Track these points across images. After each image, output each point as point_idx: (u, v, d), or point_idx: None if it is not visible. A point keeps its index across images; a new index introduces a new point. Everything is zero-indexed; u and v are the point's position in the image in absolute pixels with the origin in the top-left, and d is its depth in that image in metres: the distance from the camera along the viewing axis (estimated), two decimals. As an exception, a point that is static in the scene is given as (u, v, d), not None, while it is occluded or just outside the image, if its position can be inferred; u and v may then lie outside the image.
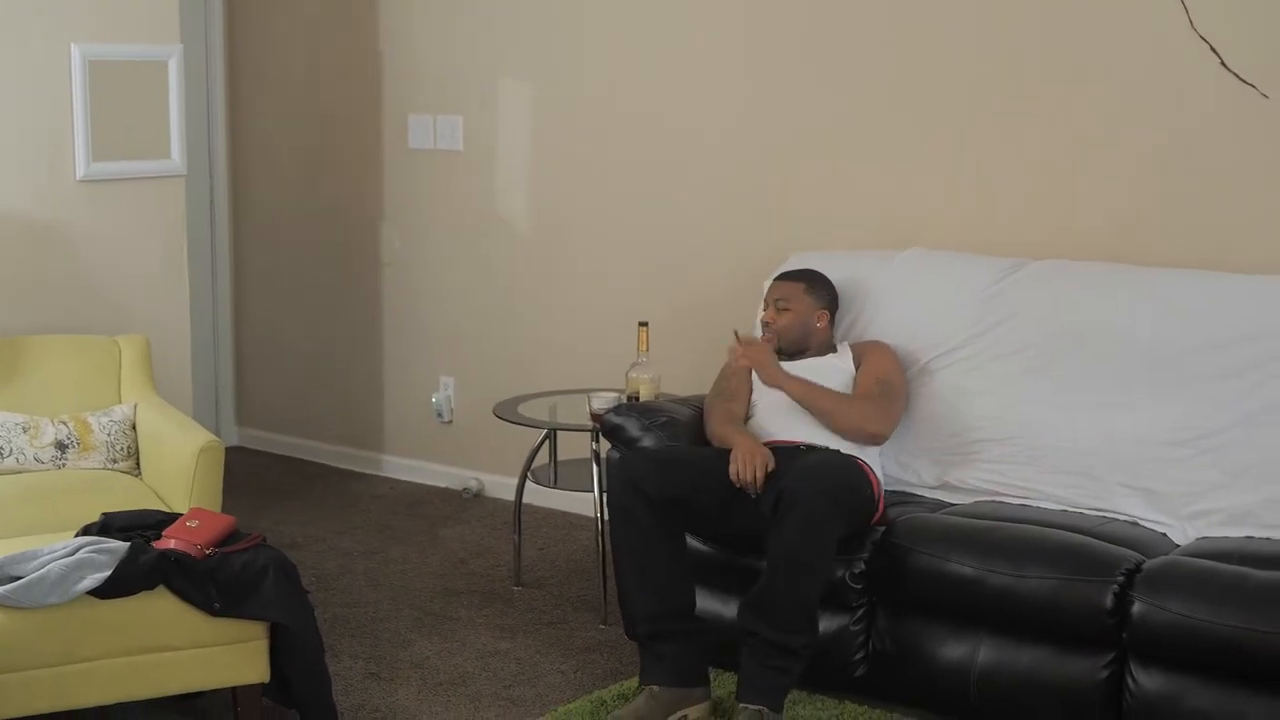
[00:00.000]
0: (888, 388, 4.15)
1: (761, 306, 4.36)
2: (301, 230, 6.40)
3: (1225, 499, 3.86)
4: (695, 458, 3.99)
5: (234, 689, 3.60)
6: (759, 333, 4.36)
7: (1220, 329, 3.99)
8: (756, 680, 3.63)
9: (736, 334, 4.19)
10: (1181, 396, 3.99)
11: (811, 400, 4.05)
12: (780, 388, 4.08)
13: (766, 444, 3.95)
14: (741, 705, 3.62)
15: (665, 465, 3.89)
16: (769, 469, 3.81)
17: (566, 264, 5.63)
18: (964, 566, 3.67)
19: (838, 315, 4.41)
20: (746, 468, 3.81)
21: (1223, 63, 4.16)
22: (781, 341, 4.25)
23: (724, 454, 3.90)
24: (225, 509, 3.82)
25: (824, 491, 3.65)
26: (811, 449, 3.98)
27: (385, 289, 6.16)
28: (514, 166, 5.77)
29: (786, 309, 4.29)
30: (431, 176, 5.95)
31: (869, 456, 4.06)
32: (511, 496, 4.94)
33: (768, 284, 4.56)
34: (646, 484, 3.77)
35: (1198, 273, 4.16)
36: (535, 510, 5.49)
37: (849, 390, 4.14)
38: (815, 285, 4.35)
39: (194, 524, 3.62)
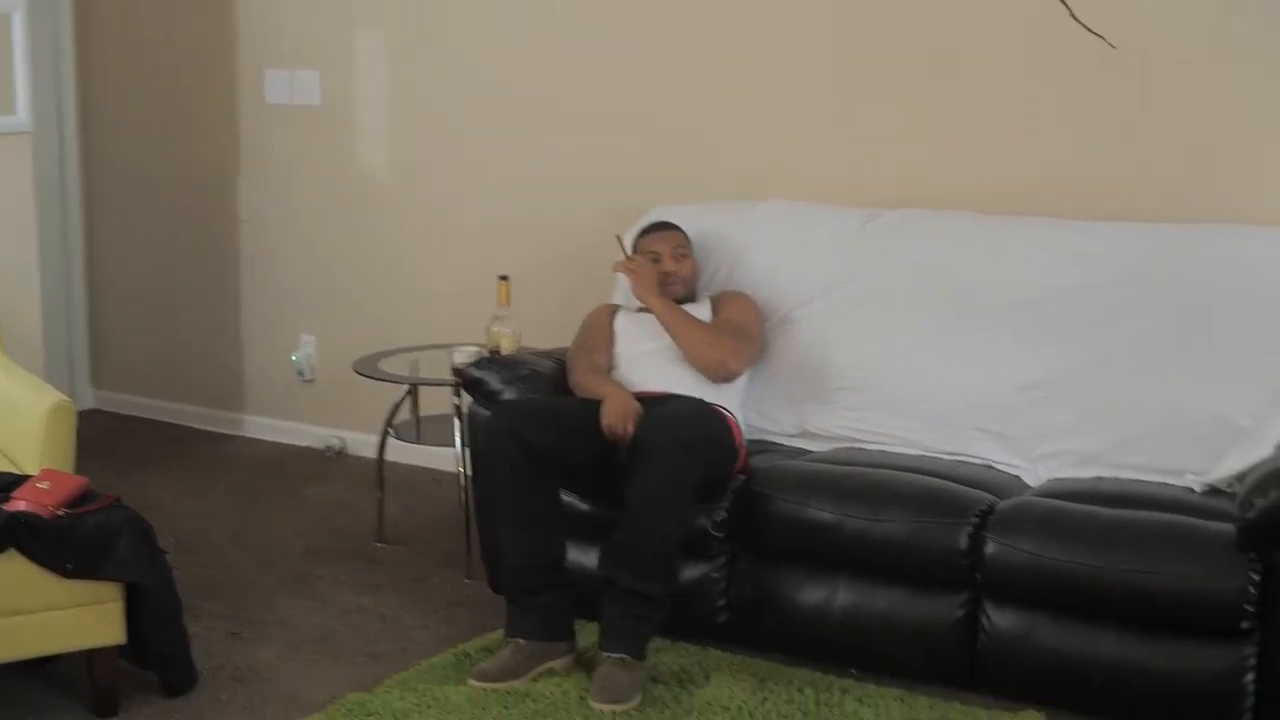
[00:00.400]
0: (741, 328, 4.18)
1: (649, 257, 4.33)
2: (157, 187, 6.27)
3: (1075, 441, 3.94)
4: (569, 408, 3.98)
5: (89, 651, 3.54)
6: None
7: (1070, 276, 4.07)
8: (618, 629, 3.65)
9: (620, 240, 4.25)
10: (1033, 342, 4.06)
11: (672, 320, 4.09)
12: (648, 305, 4.11)
13: (633, 395, 3.96)
14: (604, 654, 3.63)
15: (542, 415, 3.88)
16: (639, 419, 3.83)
17: (426, 219, 5.59)
18: (822, 512, 3.71)
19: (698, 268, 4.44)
20: (619, 421, 3.81)
21: (1072, 14, 4.22)
22: (686, 289, 4.28)
23: (596, 405, 3.90)
24: (82, 473, 3.75)
25: (679, 439, 3.66)
26: (672, 396, 3.99)
27: (243, 247, 6.07)
28: (372, 121, 5.71)
29: (685, 255, 4.31)
30: (289, 132, 5.86)
31: (731, 405, 4.09)
32: (374, 454, 4.90)
33: (629, 237, 4.56)
34: (527, 433, 3.75)
35: (1048, 220, 4.24)
36: (398, 467, 5.46)
37: None
38: (687, 236, 4.38)
39: (44, 485, 3.55)
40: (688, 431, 3.72)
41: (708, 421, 3.87)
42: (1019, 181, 4.45)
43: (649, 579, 3.64)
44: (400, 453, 5.34)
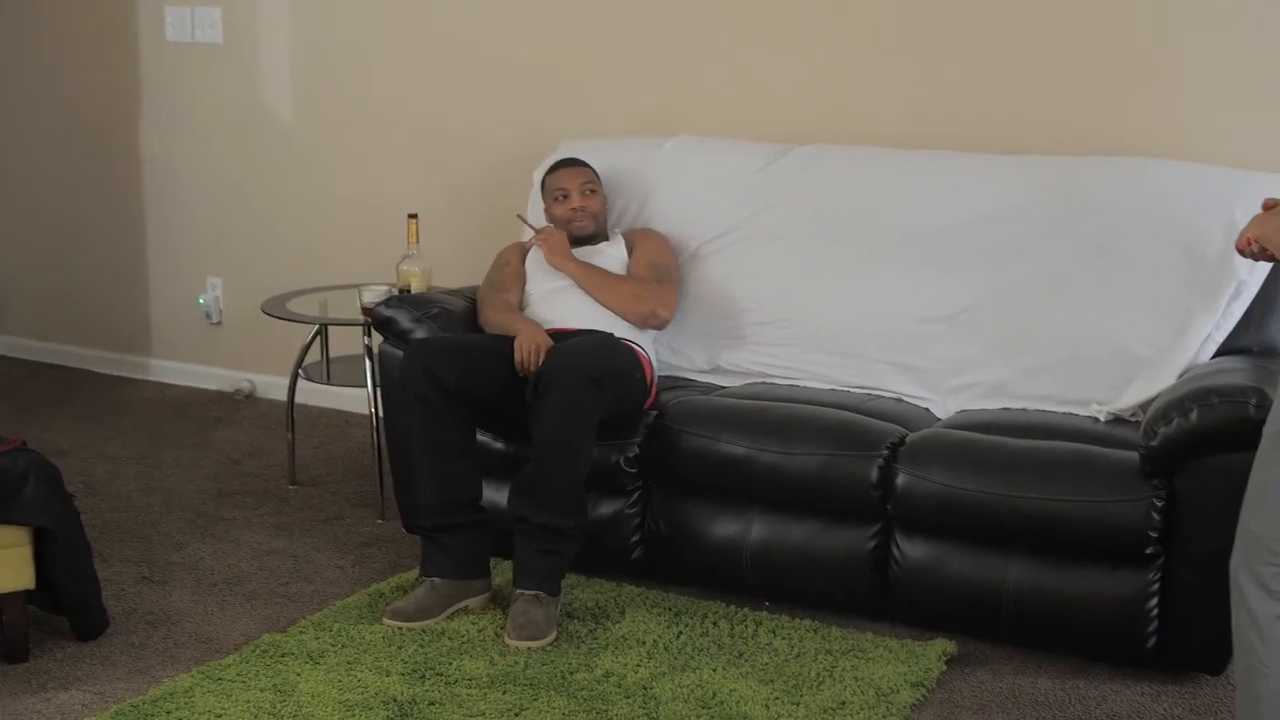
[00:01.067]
0: (663, 271, 4.18)
1: (555, 196, 4.32)
2: (56, 128, 6.14)
3: (983, 373, 3.99)
4: (482, 345, 3.96)
5: (-3, 597, 3.50)
6: (543, 222, 4.35)
7: (976, 209, 4.10)
8: (531, 565, 3.66)
9: (522, 218, 4.24)
10: (940, 275, 4.10)
11: (591, 283, 4.08)
12: (564, 272, 4.09)
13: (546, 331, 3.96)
14: (518, 591, 3.64)
15: (455, 352, 3.85)
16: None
17: (333, 157, 5.52)
18: (735, 446, 3.73)
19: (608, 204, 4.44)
20: (530, 354, 3.80)
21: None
22: (596, 225, 4.27)
23: (508, 341, 3.89)
24: (-16, 418, 3.70)
25: (581, 373, 3.65)
26: (580, 330, 3.99)
27: (147, 188, 5.97)
28: (276, 58, 5.62)
29: (594, 192, 4.30)
30: (190, 70, 5.76)
31: (642, 341, 4.09)
32: (284, 396, 4.86)
33: (539, 173, 4.54)
34: (440, 371, 3.73)
35: (953, 154, 4.26)
36: (309, 409, 5.43)
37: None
38: (595, 172, 4.37)
39: (-53, 430, 3.50)
40: (590, 364, 3.71)
41: (613, 354, 3.87)
42: (925, 116, 4.48)
43: (558, 513, 3.64)
44: (311, 394, 5.30)
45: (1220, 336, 3.78)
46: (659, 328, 4.14)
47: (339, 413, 5.52)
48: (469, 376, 3.78)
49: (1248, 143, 3.98)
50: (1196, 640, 3.40)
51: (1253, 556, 2.54)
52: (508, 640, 3.56)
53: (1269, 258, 2.64)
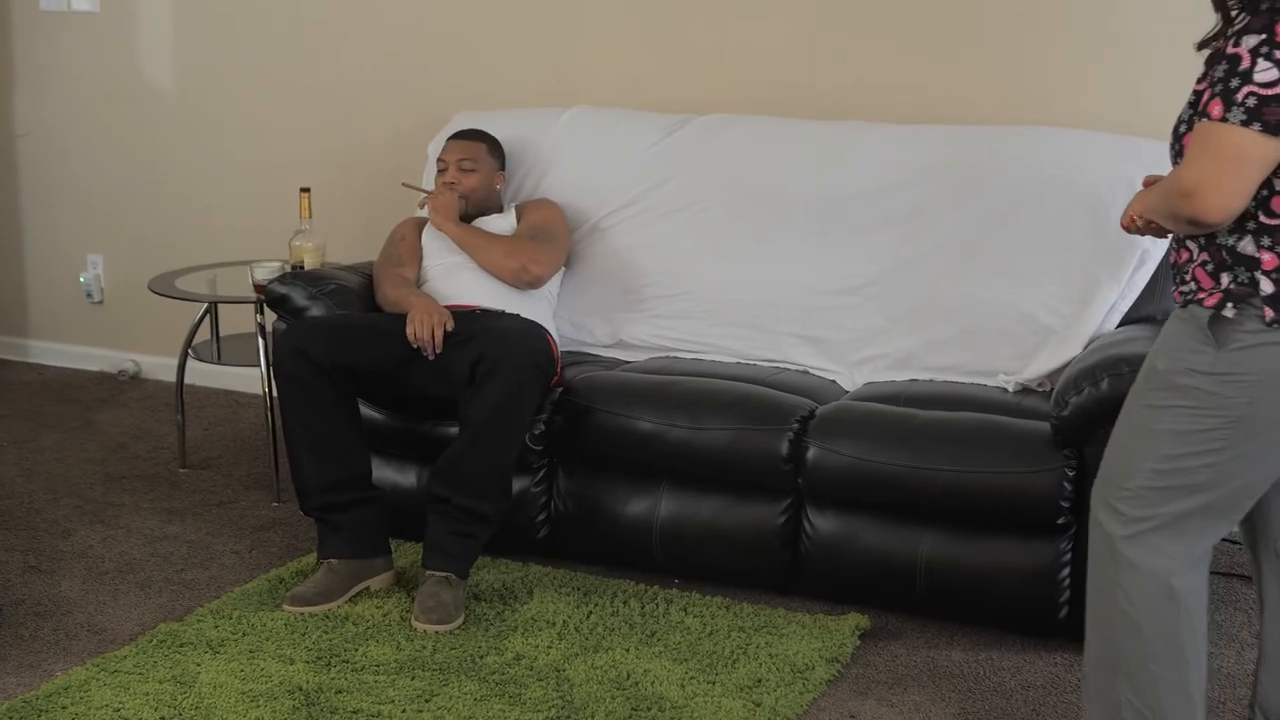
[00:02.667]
0: (541, 232, 4.11)
1: (438, 168, 4.24)
2: (-76, 102, 5.92)
3: (889, 344, 3.97)
4: (367, 322, 3.87)
5: (-123, 592, 3.36)
6: (434, 179, 4.26)
7: (878, 179, 4.08)
8: (445, 546, 3.57)
9: (409, 185, 4.18)
10: (844, 246, 4.07)
11: (468, 243, 4.01)
12: (444, 231, 4.03)
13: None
14: (428, 572, 3.56)
15: (334, 331, 3.76)
16: (448, 329, 3.73)
17: (220, 129, 5.36)
18: (643, 421, 3.67)
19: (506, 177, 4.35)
20: (424, 327, 3.71)
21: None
22: (469, 205, 4.17)
23: (398, 317, 3.80)
24: None
25: (529, 359, 3.61)
26: (488, 313, 3.91)
27: (22, 162, 5.76)
28: (157, 28, 5.43)
29: (473, 169, 4.20)
30: (66, 40, 5.55)
31: (544, 318, 4.02)
32: (171, 377, 4.71)
33: (434, 145, 4.46)
34: (316, 351, 3.64)
35: (854, 124, 4.23)
36: (199, 390, 5.29)
37: None
38: (494, 146, 4.29)
39: None
40: (531, 349, 3.67)
41: (538, 338, 3.80)
42: (827, 86, 4.44)
43: (484, 498, 3.57)
44: (199, 374, 5.17)
45: (1125, 306, 3.78)
46: (533, 285, 4.04)
47: (228, 393, 5.38)
48: (345, 353, 3.69)
49: (1150, 110, 3.98)
50: (1108, 609, 3.40)
51: (1108, 488, 2.59)
52: (415, 623, 3.48)
53: (1155, 231, 2.62)
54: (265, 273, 4.29)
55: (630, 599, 3.63)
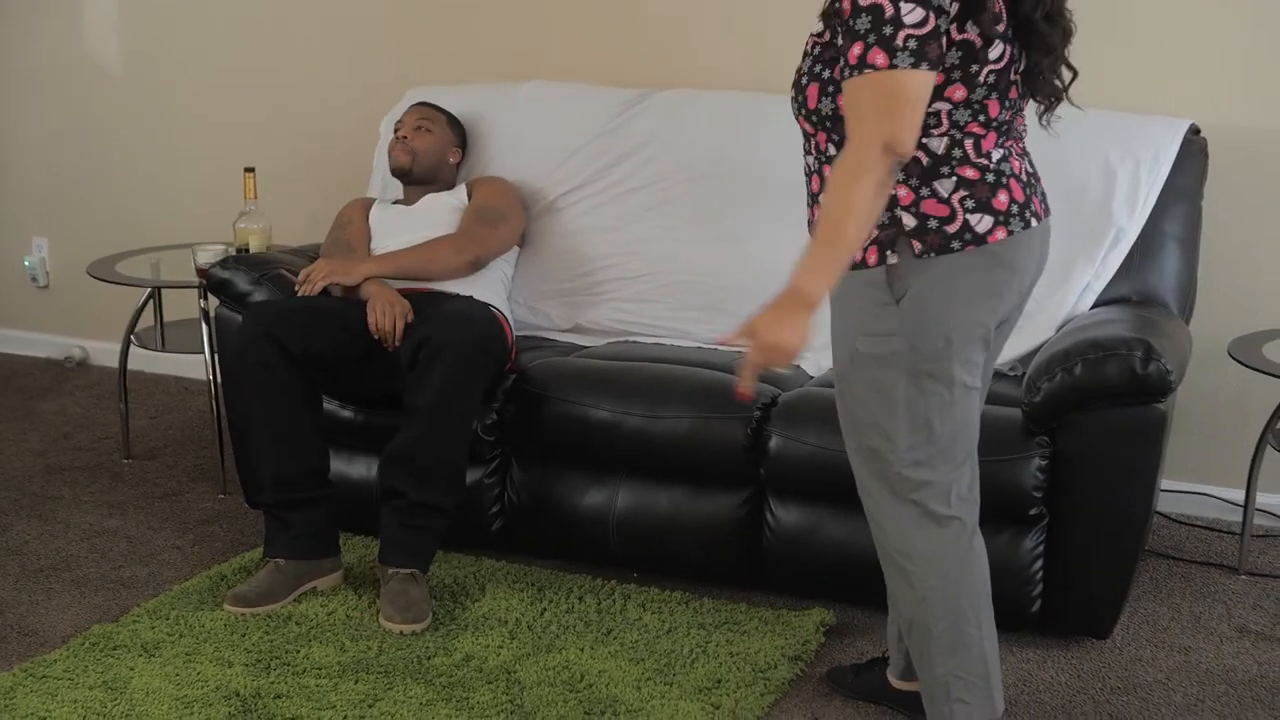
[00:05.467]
0: (487, 213, 3.94)
1: (394, 130, 4.11)
2: None
3: (856, 327, 3.82)
4: (329, 308, 3.69)
5: None
6: (384, 157, 4.15)
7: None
8: (404, 542, 3.43)
9: (286, 274, 3.84)
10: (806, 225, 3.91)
11: (403, 267, 3.79)
12: (363, 274, 3.74)
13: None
14: (390, 570, 3.41)
15: (301, 316, 3.59)
16: (409, 319, 3.58)
17: (165, 108, 5.17)
18: (599, 410, 3.53)
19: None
20: (386, 318, 3.56)
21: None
22: (416, 164, 4.03)
23: (357, 306, 3.64)
24: None
25: (471, 340, 3.46)
26: (441, 295, 3.75)
27: (-37, 144, 5.59)
28: (101, 6, 5.25)
29: (429, 131, 4.06)
30: (7, 21, 5.36)
31: (498, 301, 3.87)
32: (117, 364, 4.54)
33: (386, 123, 4.32)
34: (284, 336, 3.46)
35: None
36: (145, 377, 5.12)
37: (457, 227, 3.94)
38: (454, 122, 4.17)
39: None
40: (477, 331, 3.53)
41: (489, 321, 3.65)
42: (790, 60, 4.27)
43: (439, 489, 3.42)
44: (146, 361, 5.00)
45: (1099, 286, 3.66)
46: (478, 269, 3.88)
47: (176, 379, 5.21)
48: (314, 341, 3.53)
49: (1122, 86, 3.84)
50: (1081, 603, 3.29)
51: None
52: (385, 623, 3.33)
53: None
54: (208, 256, 4.13)
55: (586, 594, 3.48)
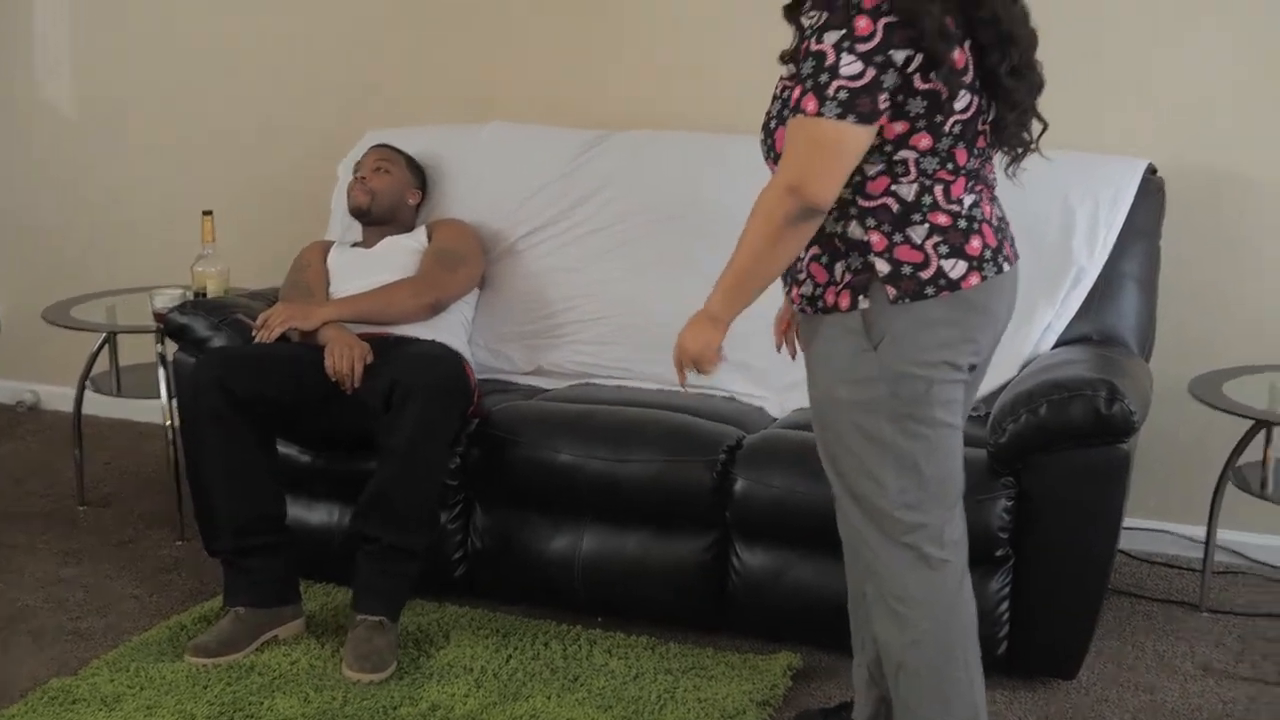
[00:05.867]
0: (446, 256, 3.94)
1: (354, 171, 4.11)
2: None
3: (818, 369, 3.82)
4: (283, 353, 3.66)
5: None
6: (343, 200, 4.14)
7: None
8: (375, 587, 3.39)
9: (244, 319, 3.80)
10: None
11: (362, 311, 3.76)
12: (325, 320, 3.70)
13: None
14: (359, 616, 3.37)
15: (253, 362, 3.57)
16: (367, 361, 3.56)
17: (119, 152, 5.14)
18: (563, 454, 3.51)
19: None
20: (344, 361, 3.54)
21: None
22: (374, 204, 4.03)
23: (314, 349, 3.61)
24: None
25: (440, 383, 3.45)
26: (403, 339, 3.73)
27: (-88, 186, 5.52)
28: (55, 46, 5.21)
29: (388, 172, 4.06)
30: (-43, 59, 5.33)
31: (459, 344, 3.85)
32: (72, 409, 4.48)
33: (344, 165, 4.31)
34: (235, 383, 3.44)
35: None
36: (99, 422, 5.06)
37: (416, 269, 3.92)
38: (413, 164, 4.17)
39: None
40: (445, 374, 3.50)
41: (455, 364, 3.63)
42: (752, 99, 4.28)
43: (412, 532, 3.40)
44: (100, 406, 4.94)
45: (1060, 326, 3.67)
46: (437, 311, 3.87)
47: (130, 424, 5.15)
48: (267, 387, 3.50)
49: (1078, 126, 3.87)
50: (1047, 644, 3.29)
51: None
52: (346, 672, 3.29)
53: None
54: (165, 300, 4.09)
55: (551, 640, 3.46)
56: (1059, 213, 3.69)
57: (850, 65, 2.31)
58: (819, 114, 2.33)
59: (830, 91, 2.32)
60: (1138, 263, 3.73)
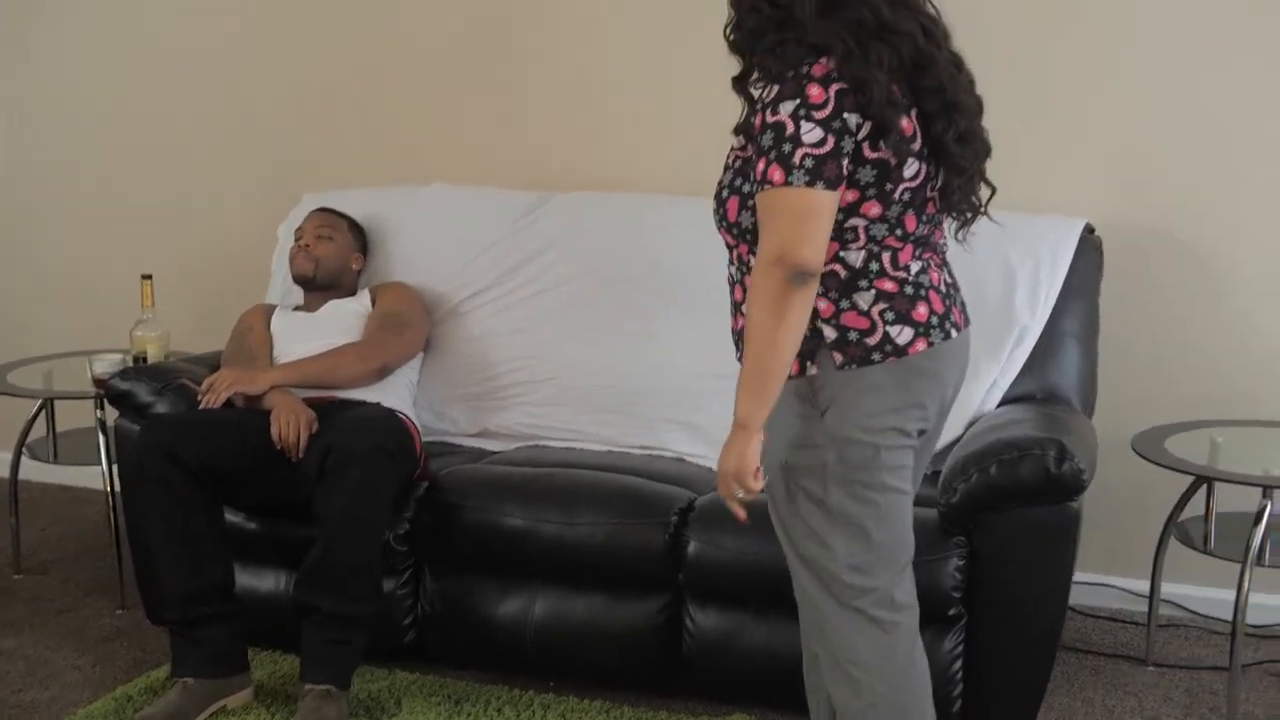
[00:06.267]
0: (391, 319, 3.93)
1: (295, 238, 4.07)
2: None
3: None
4: (228, 419, 3.63)
5: None
6: (283, 263, 4.12)
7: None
8: (322, 656, 3.35)
9: (189, 384, 3.78)
10: (716, 327, 3.90)
11: (309, 375, 3.75)
12: (271, 384, 3.68)
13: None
14: (307, 686, 3.33)
15: (198, 428, 3.53)
16: (313, 429, 3.53)
17: (54, 215, 5.08)
18: (513, 518, 3.50)
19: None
20: (290, 428, 3.51)
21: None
22: (319, 271, 4.02)
23: (259, 415, 3.58)
24: None
25: (378, 446, 3.40)
26: (347, 403, 3.71)
27: None
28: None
29: (330, 238, 4.04)
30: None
31: (405, 407, 3.84)
32: (8, 475, 4.41)
33: (284, 227, 4.29)
34: (181, 449, 3.40)
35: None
36: (31, 486, 4.94)
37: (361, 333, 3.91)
38: (355, 227, 4.15)
39: None
40: (383, 436, 3.46)
41: (395, 426, 3.61)
42: (693, 160, 4.30)
43: (354, 600, 3.36)
44: (32, 469, 4.83)
45: (1005, 383, 3.71)
46: (383, 376, 3.86)
47: (64, 489, 5.07)
48: (213, 453, 3.46)
49: (1018, 186, 3.92)
50: (1002, 702, 3.29)
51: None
52: (298, 742, 3.25)
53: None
54: (105, 366, 4.05)
55: (505, 706, 3.44)
56: (1000, 272, 3.74)
57: (811, 133, 2.33)
58: (787, 183, 2.33)
59: (796, 160, 2.33)
60: (1078, 320, 3.78)
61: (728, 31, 2.55)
